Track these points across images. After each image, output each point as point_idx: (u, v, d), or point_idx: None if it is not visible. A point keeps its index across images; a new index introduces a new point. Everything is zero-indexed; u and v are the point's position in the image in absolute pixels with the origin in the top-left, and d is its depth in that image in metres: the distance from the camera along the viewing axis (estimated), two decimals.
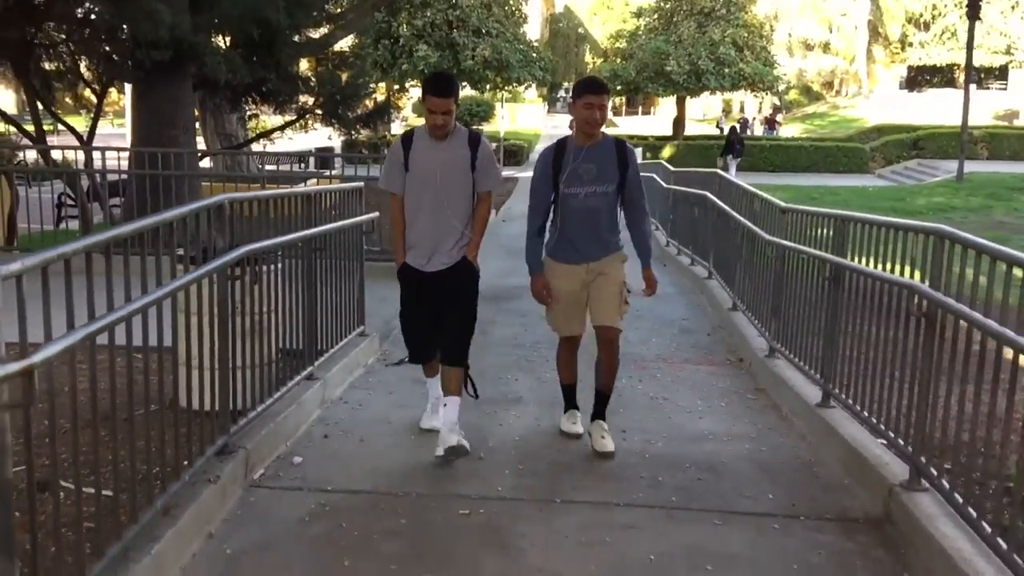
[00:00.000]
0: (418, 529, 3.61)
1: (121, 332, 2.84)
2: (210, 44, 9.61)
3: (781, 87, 45.98)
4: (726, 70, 35.10)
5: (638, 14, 40.30)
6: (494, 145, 29.37)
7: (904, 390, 3.88)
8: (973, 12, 24.30)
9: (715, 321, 8.13)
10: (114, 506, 2.85)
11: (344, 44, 15.66)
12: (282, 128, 13.15)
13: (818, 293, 5.17)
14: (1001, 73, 49.78)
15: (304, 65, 13.70)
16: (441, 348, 4.53)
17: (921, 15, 51.36)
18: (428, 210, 4.39)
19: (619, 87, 37.65)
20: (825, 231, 5.26)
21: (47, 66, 10.43)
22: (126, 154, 10.10)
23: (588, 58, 63.20)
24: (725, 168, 23.93)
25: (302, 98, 12.55)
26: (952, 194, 23.63)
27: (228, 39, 10.97)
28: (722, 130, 48.31)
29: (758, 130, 47.85)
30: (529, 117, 55.81)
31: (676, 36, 35.86)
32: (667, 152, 32.83)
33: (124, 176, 10.15)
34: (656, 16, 38.29)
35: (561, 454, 4.56)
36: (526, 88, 39.91)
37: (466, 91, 40.25)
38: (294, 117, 12.81)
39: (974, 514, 3.22)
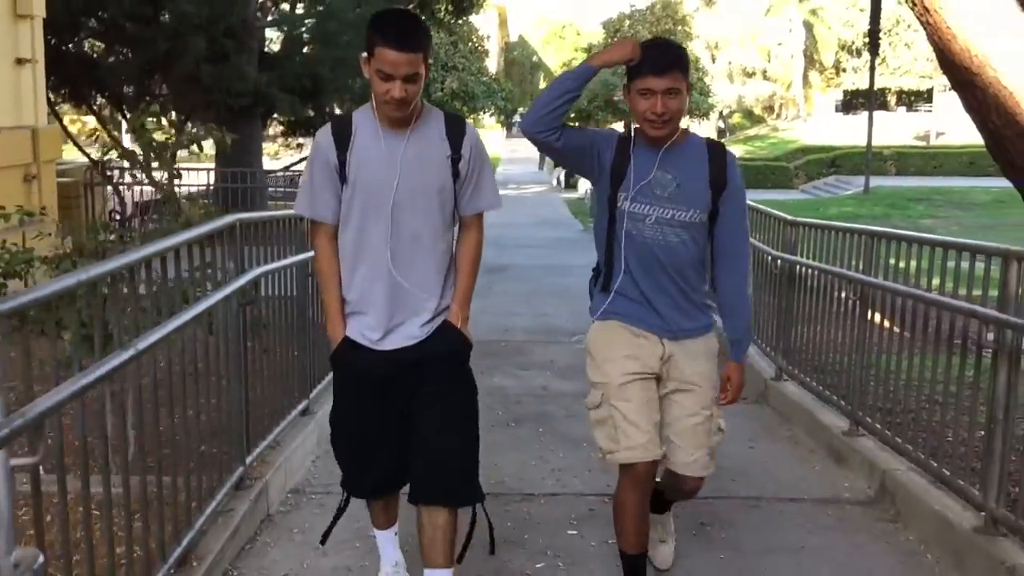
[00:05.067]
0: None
1: None
2: (277, 93, 13.16)
3: (724, 112, 50.00)
4: None
5: (588, 50, 44.63)
6: None
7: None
8: (874, 47, 28.89)
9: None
10: None
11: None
12: None
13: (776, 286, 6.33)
14: (929, 96, 54.20)
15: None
16: (418, 476, 2.74)
17: (853, 43, 55.42)
18: (382, 249, 2.65)
19: (572, 115, 41.57)
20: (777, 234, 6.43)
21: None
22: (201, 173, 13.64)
23: (542, 85, 67.21)
24: None
25: None
26: (859, 204, 27.62)
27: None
28: None
29: None
30: (489, 143, 58.64)
31: (622, 69, 39.98)
32: None
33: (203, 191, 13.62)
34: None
35: None
36: (490, 116, 43.92)
37: None
38: None
39: (811, 382, 5.44)
